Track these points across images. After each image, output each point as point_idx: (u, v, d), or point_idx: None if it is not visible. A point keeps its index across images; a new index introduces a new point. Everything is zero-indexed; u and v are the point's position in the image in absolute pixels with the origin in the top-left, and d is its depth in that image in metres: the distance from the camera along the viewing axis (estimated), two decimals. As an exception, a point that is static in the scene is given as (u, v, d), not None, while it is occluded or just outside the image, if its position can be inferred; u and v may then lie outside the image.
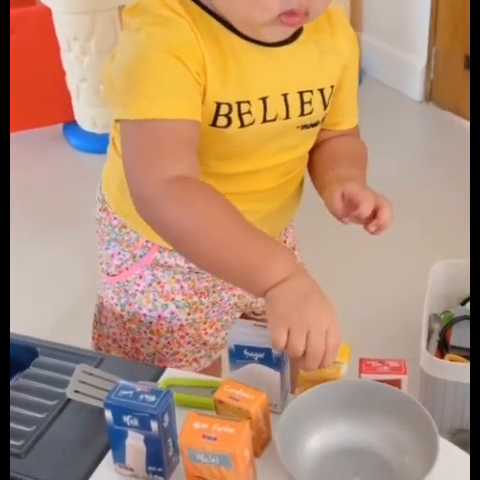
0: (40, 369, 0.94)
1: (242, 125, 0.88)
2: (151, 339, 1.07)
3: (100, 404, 0.84)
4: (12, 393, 0.91)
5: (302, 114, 0.93)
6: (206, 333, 1.10)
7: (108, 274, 1.07)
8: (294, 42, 0.90)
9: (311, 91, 0.93)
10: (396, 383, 0.83)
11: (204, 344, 1.10)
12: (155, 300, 1.05)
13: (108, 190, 1.05)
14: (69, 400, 0.88)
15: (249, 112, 0.88)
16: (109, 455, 0.81)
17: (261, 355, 0.83)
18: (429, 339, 1.58)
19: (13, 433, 0.85)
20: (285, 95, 0.90)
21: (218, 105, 0.86)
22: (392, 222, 0.90)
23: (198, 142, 0.85)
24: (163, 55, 0.81)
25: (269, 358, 0.83)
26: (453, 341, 1.55)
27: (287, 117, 0.92)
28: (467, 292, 1.66)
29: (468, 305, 1.66)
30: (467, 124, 2.59)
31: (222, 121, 0.87)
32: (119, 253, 1.05)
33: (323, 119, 0.99)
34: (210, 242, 0.80)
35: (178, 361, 1.09)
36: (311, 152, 1.03)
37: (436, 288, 1.63)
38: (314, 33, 0.93)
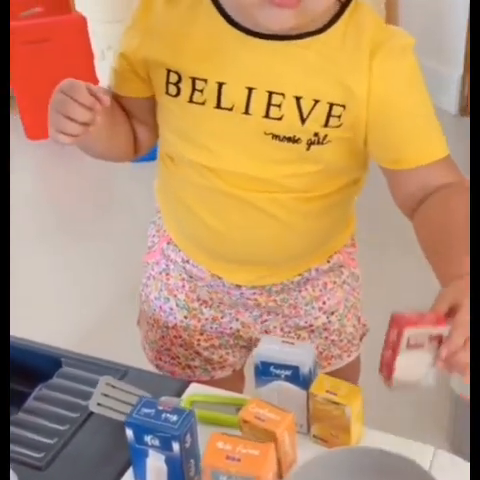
0: (63, 380, 0.93)
1: (191, 100, 0.88)
2: (153, 326, 1.10)
3: (123, 418, 0.83)
4: (34, 403, 0.91)
5: (267, 115, 0.87)
6: (199, 344, 1.08)
7: (147, 252, 1.11)
8: (291, 41, 0.85)
9: (283, 94, 0.85)
10: (437, 338, 0.74)
11: (197, 354, 1.08)
12: (161, 290, 1.07)
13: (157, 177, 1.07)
14: (92, 412, 0.87)
15: (201, 91, 0.87)
16: (130, 471, 0.79)
17: (288, 372, 0.81)
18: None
19: (34, 445, 0.84)
20: (250, 89, 0.86)
21: (168, 72, 0.88)
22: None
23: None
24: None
25: (296, 376, 0.81)
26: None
27: (246, 112, 0.87)
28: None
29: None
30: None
31: (172, 89, 0.89)
32: (153, 236, 1.09)
33: (314, 141, 0.87)
34: None
35: (171, 358, 1.10)
36: (416, 221, 0.91)
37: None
38: (325, 46, 0.85)
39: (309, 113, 0.86)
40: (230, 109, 0.87)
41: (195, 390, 0.90)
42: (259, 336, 1.05)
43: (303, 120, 0.86)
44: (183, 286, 1.05)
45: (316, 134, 0.87)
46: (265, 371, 0.82)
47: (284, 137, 0.87)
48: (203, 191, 0.95)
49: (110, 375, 0.90)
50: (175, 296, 1.05)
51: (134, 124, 0.99)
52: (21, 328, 1.01)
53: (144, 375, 0.94)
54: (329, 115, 0.86)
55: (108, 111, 0.86)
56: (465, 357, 0.72)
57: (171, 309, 1.06)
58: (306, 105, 0.85)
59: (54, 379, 0.94)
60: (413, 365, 0.75)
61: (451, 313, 0.74)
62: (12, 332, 1.01)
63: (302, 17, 0.80)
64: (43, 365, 0.95)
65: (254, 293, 1.02)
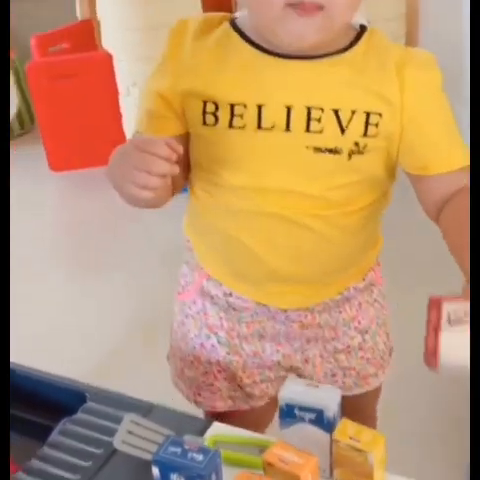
0: (88, 415, 0.94)
1: (231, 126, 0.91)
2: (192, 363, 1.11)
3: (147, 456, 0.83)
4: (59, 438, 0.91)
5: (308, 130, 0.90)
6: (242, 381, 1.09)
7: (178, 292, 1.12)
8: (320, 60, 0.90)
9: (322, 109, 0.90)
10: None
11: (240, 387, 1.10)
12: (201, 328, 1.09)
13: (185, 215, 1.10)
14: (115, 449, 0.87)
15: (241, 115, 0.90)
16: (153, 509, 0.80)
17: (312, 416, 0.82)
18: None
19: (58, 480, 0.84)
20: (289, 107, 0.90)
21: (204, 103, 0.92)
22: None
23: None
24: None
25: (321, 419, 0.81)
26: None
27: (287, 129, 0.90)
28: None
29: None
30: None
31: (209, 119, 0.92)
32: (186, 275, 1.10)
33: (355, 151, 0.92)
34: None
35: (213, 393, 1.11)
36: (441, 221, 0.94)
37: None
38: (352, 62, 0.91)
39: (348, 123, 0.90)
40: (271, 129, 0.91)
41: (218, 429, 0.91)
42: (299, 365, 1.08)
43: (343, 131, 0.91)
44: (221, 325, 1.07)
45: (356, 144, 0.91)
46: (289, 413, 0.83)
47: (326, 149, 0.91)
48: (248, 216, 0.97)
49: (134, 411, 0.91)
50: (216, 333, 1.07)
51: None
52: (40, 360, 1.03)
53: (168, 413, 0.94)
54: (367, 123, 0.91)
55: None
56: None
57: (213, 346, 1.08)
58: (344, 116, 0.90)
59: (79, 414, 0.94)
60: (458, 344, 0.75)
61: None
62: (34, 365, 1.03)
63: (322, 32, 0.86)
64: (68, 399, 0.96)
65: (299, 315, 1.05)
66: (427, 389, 1.67)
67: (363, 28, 0.93)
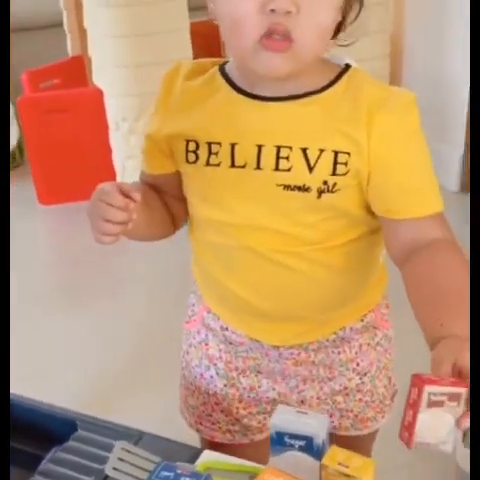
0: (79, 443, 0.94)
1: (207, 163, 0.95)
2: (194, 392, 1.13)
3: (137, 483, 0.84)
4: (50, 466, 0.92)
5: (277, 168, 0.92)
6: (238, 412, 1.10)
7: (186, 321, 1.15)
8: (294, 101, 0.92)
9: (290, 147, 0.92)
10: (456, 397, 0.76)
11: (237, 420, 1.11)
12: (201, 358, 1.11)
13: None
14: (106, 477, 0.88)
15: (216, 154, 0.94)
16: None
17: (302, 443, 0.83)
18: (465, 435, 1.54)
19: (49, 508, 0.84)
20: (260, 146, 0.92)
21: (187, 142, 0.96)
22: None
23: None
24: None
25: (310, 446, 0.82)
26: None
27: (258, 167, 0.93)
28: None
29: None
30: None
31: (191, 157, 0.97)
32: (193, 305, 1.13)
33: (324, 189, 0.91)
34: None
35: (212, 424, 1.12)
36: (405, 271, 0.92)
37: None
38: (325, 103, 0.92)
39: (316, 162, 0.91)
40: (243, 166, 0.94)
41: (209, 457, 0.92)
42: (295, 405, 1.08)
43: (310, 169, 0.92)
44: (220, 357, 1.09)
45: (325, 182, 0.92)
46: (280, 441, 0.83)
47: (295, 186, 0.92)
48: (224, 252, 0.99)
49: (125, 440, 0.91)
50: (215, 365, 1.09)
51: (168, 201, 1.06)
52: (30, 389, 1.03)
53: (158, 441, 0.95)
54: (335, 162, 0.91)
55: (142, 204, 0.91)
56: None
57: (211, 377, 1.10)
58: (312, 155, 0.91)
59: (69, 442, 0.95)
60: (434, 426, 0.77)
61: (453, 374, 0.77)
62: (24, 394, 1.03)
63: (293, 63, 0.88)
64: (58, 428, 0.97)
65: (292, 353, 1.05)
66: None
67: (348, 67, 0.95)
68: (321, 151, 0.91)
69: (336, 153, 0.91)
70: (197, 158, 0.96)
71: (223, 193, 0.96)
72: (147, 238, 1.08)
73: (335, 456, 0.82)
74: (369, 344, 1.08)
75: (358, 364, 1.08)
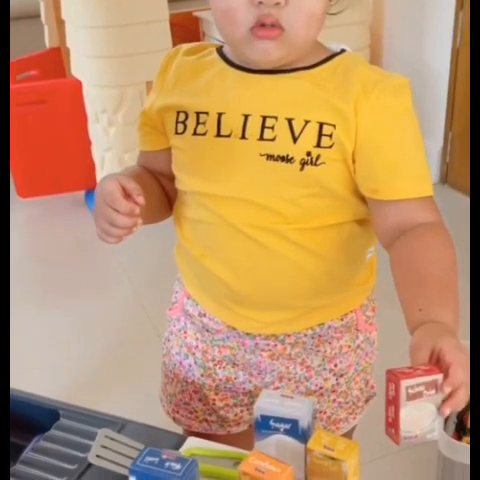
0: (61, 432, 0.94)
1: (194, 133, 0.96)
2: (172, 380, 1.12)
3: (121, 470, 0.83)
4: (32, 455, 0.91)
5: (261, 138, 0.92)
6: (214, 403, 1.09)
7: (169, 308, 1.14)
8: (284, 74, 0.93)
9: (276, 117, 0.92)
10: (433, 385, 0.76)
11: (215, 411, 1.10)
12: (181, 346, 1.10)
13: None
14: (90, 465, 0.87)
15: (204, 123, 0.95)
16: (129, 523, 0.79)
17: (287, 426, 0.82)
18: (446, 421, 1.55)
19: (32, 496, 0.83)
20: (246, 115, 0.93)
21: (177, 113, 0.98)
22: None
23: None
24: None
25: (295, 429, 0.82)
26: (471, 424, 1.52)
27: (243, 136, 0.93)
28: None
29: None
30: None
31: (180, 128, 0.98)
32: (177, 292, 1.13)
33: (307, 161, 0.91)
34: None
35: (189, 412, 1.11)
36: (391, 255, 0.91)
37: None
38: (316, 77, 0.92)
39: (300, 132, 0.91)
40: (228, 136, 0.94)
41: (193, 444, 0.91)
42: None
43: (295, 139, 0.91)
44: (197, 346, 1.08)
45: (308, 153, 0.91)
46: (265, 425, 0.83)
47: (278, 156, 0.92)
48: (203, 228, 0.99)
49: (108, 428, 0.91)
50: (193, 354, 1.08)
51: (162, 182, 1.06)
52: (16, 381, 1.02)
53: (142, 428, 0.95)
54: (320, 134, 0.90)
55: (142, 190, 0.92)
56: (466, 393, 0.75)
57: (190, 366, 1.09)
58: (297, 125, 0.91)
59: (52, 431, 0.94)
60: (417, 417, 0.77)
61: (432, 359, 0.76)
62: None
63: (285, 49, 0.89)
64: (41, 417, 0.96)
65: (268, 344, 1.03)
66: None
67: (342, 52, 0.95)
68: (306, 122, 0.91)
69: (321, 124, 0.90)
70: (185, 128, 0.97)
71: (207, 163, 0.96)
72: (147, 222, 1.04)
73: (320, 440, 0.81)
74: (350, 346, 1.06)
75: (336, 365, 1.06)
